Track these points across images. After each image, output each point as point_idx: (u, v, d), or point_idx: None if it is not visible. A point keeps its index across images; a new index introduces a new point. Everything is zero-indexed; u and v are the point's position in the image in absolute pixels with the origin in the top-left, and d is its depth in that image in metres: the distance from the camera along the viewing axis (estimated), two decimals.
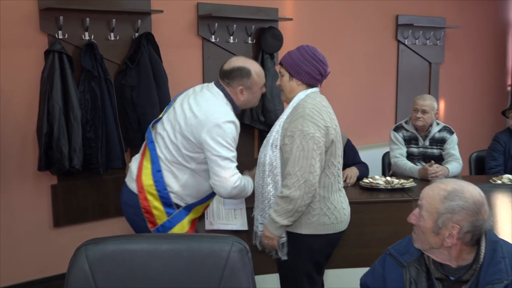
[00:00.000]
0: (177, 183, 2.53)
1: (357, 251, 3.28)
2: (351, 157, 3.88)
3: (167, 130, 2.56)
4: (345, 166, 3.85)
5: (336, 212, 2.49)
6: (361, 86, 5.50)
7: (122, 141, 3.81)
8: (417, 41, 5.73)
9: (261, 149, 2.54)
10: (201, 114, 2.48)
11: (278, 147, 2.43)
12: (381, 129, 5.52)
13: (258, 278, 2.76)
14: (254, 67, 2.61)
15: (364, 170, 3.78)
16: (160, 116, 2.68)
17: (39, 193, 3.76)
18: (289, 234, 2.49)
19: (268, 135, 2.53)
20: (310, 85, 2.52)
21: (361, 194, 3.47)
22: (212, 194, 2.68)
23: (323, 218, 2.45)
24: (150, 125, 2.69)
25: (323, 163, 2.40)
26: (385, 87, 5.69)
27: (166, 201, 2.55)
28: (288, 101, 2.55)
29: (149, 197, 2.54)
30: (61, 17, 3.57)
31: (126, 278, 1.71)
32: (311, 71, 2.49)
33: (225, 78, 2.60)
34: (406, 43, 5.67)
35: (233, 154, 2.48)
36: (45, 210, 3.79)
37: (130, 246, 1.75)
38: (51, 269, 3.83)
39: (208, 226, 2.86)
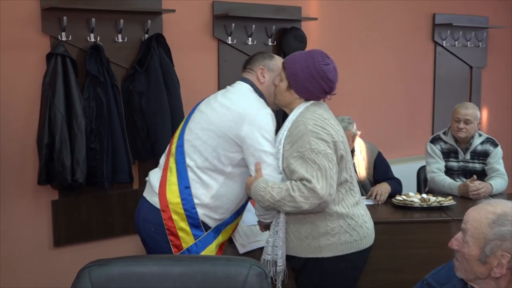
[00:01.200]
0: (208, 194, 2.54)
1: (388, 277, 3.25)
2: (382, 171, 3.86)
3: (197, 133, 2.58)
4: (376, 181, 3.83)
5: (357, 227, 2.47)
6: (393, 93, 5.48)
7: (130, 153, 3.84)
8: (456, 42, 5.70)
9: None
10: (237, 108, 2.52)
11: (283, 170, 2.43)
12: (416, 140, 5.47)
13: None
14: (278, 57, 2.73)
15: (396, 186, 3.75)
16: (182, 125, 2.71)
17: (38, 209, 3.79)
18: (309, 261, 2.47)
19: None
20: (308, 99, 2.51)
21: (394, 213, 3.45)
22: (242, 209, 2.70)
23: (344, 236, 2.43)
24: (175, 137, 2.70)
25: (336, 181, 2.39)
26: (420, 94, 5.66)
27: (194, 222, 2.55)
28: (275, 107, 2.59)
29: (175, 217, 2.53)
30: (65, 18, 3.62)
31: None
32: (314, 89, 2.46)
33: (247, 65, 2.72)
34: (444, 45, 5.64)
35: (274, 150, 2.49)
36: (44, 227, 3.83)
37: (138, 269, 1.76)
38: None
39: (241, 250, 2.88)
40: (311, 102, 2.49)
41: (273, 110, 2.59)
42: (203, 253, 2.56)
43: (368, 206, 3.23)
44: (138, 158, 4.00)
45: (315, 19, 4.74)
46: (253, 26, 4.42)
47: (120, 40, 3.91)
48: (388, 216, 3.40)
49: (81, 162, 3.58)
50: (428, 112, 5.74)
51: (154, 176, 2.67)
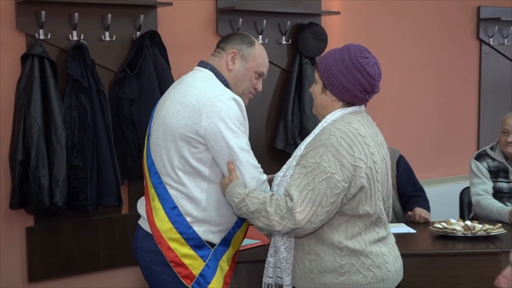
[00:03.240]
0: (198, 207, 2.53)
1: None
2: (404, 175, 3.92)
3: (159, 143, 2.58)
4: (399, 187, 3.90)
5: (374, 268, 2.42)
6: (430, 101, 5.48)
7: (118, 171, 3.86)
8: (505, 40, 5.69)
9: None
10: (190, 100, 2.50)
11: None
12: (459, 157, 5.46)
13: None
14: (260, 45, 2.72)
15: (426, 207, 3.91)
16: (146, 139, 2.72)
17: (10, 237, 3.80)
18: None
19: (290, 159, 2.50)
20: (348, 102, 2.48)
21: (432, 243, 3.43)
22: None
23: (356, 277, 2.40)
24: (144, 156, 2.72)
25: (332, 214, 2.37)
26: (463, 102, 5.65)
27: (196, 243, 2.55)
28: (320, 116, 2.54)
29: (173, 245, 2.53)
30: (43, 12, 3.66)
31: None
32: (351, 86, 2.42)
33: (221, 43, 2.70)
34: (490, 43, 5.65)
35: (246, 140, 2.48)
36: (17, 259, 3.84)
37: None
38: None
39: None
40: (351, 109, 2.47)
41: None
42: (217, 273, 2.57)
43: (405, 236, 3.23)
44: (128, 177, 4.01)
45: (337, 13, 4.76)
46: (264, 21, 4.44)
47: (107, 38, 3.94)
48: (425, 247, 3.38)
49: (61, 182, 3.59)
50: (472, 123, 5.73)
51: (141, 206, 2.70)
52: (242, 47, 2.65)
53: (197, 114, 2.46)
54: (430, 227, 3.55)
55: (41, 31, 3.70)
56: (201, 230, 2.55)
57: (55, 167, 3.58)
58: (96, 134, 3.77)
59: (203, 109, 2.45)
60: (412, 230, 3.61)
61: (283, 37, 4.58)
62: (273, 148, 4.59)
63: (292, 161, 2.46)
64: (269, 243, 2.60)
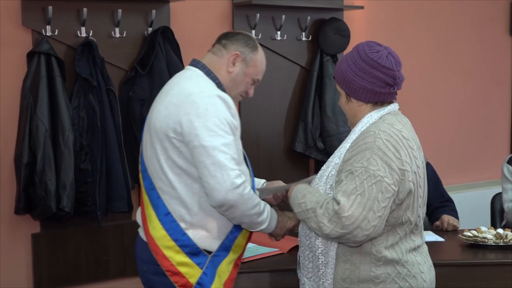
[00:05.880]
0: (190, 211, 2.54)
1: None
2: (430, 189, 3.93)
3: (147, 146, 2.60)
4: (427, 202, 3.92)
5: (410, 278, 2.43)
6: (460, 101, 5.45)
7: (128, 174, 3.86)
8: None
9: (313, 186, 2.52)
10: (171, 98, 2.51)
11: (334, 187, 2.40)
12: (490, 161, 5.42)
13: None
14: (262, 51, 2.73)
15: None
16: (141, 143, 2.73)
17: (15, 244, 3.82)
18: None
19: (324, 167, 2.51)
20: (376, 102, 2.48)
21: (461, 253, 3.41)
22: None
23: (392, 286, 2.41)
24: (139, 162, 2.73)
25: (384, 221, 2.36)
26: (495, 102, 5.61)
27: (192, 250, 2.55)
28: (352, 125, 2.53)
29: (168, 253, 2.54)
30: (50, 8, 3.67)
31: None
32: (371, 85, 2.42)
33: (223, 39, 2.69)
34: None
35: (224, 141, 2.43)
36: (23, 267, 3.85)
37: None
38: None
39: None
40: (387, 110, 2.46)
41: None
42: (215, 280, 2.56)
43: (433, 245, 3.20)
44: (138, 181, 4.00)
45: (361, 7, 4.74)
46: (283, 17, 4.43)
47: (117, 35, 3.95)
48: (454, 257, 3.35)
49: (69, 186, 3.60)
50: (504, 124, 5.70)
51: (138, 214, 2.72)
52: (246, 51, 2.65)
53: (176, 112, 2.47)
54: (460, 235, 3.52)
55: (48, 27, 3.72)
56: (196, 237, 2.55)
57: (63, 171, 3.59)
58: (105, 136, 3.78)
59: (182, 106, 2.46)
60: (440, 239, 3.58)
61: (303, 33, 4.57)
62: (292, 151, 4.58)
63: (326, 171, 2.46)
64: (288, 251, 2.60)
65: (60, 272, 3.91)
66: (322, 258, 2.46)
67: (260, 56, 2.69)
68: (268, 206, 2.63)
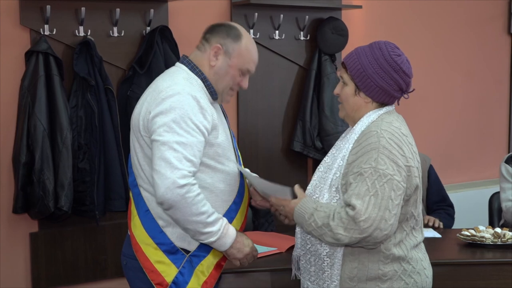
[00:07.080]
0: None
1: None
2: (435, 188, 3.91)
3: (131, 144, 2.61)
4: (428, 208, 3.89)
5: (414, 274, 2.46)
6: (458, 100, 5.46)
7: (127, 174, 3.88)
8: None
9: (313, 189, 2.52)
10: (146, 97, 2.51)
11: (340, 190, 2.42)
12: (488, 160, 5.44)
13: None
14: (249, 39, 2.64)
15: (447, 222, 3.90)
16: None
17: (13, 243, 3.83)
18: None
19: (322, 169, 2.51)
20: (382, 103, 2.50)
21: (459, 252, 3.42)
22: (233, 213, 2.64)
23: (398, 284, 2.42)
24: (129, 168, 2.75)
25: (398, 217, 2.38)
26: (493, 101, 5.63)
27: (168, 248, 2.55)
28: (349, 119, 2.54)
29: (146, 251, 2.55)
30: (48, 7, 3.68)
31: None
32: (389, 87, 2.44)
33: (207, 33, 2.64)
34: None
35: (179, 139, 2.39)
36: (21, 266, 3.87)
37: None
38: None
39: None
40: (384, 110, 2.49)
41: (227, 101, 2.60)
42: (192, 280, 2.54)
43: (430, 244, 3.22)
44: None
45: (359, 7, 4.75)
46: (281, 16, 4.45)
47: (115, 34, 3.97)
48: (452, 256, 3.37)
49: (67, 185, 3.62)
50: (503, 124, 5.71)
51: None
52: (227, 42, 2.57)
53: (146, 109, 2.47)
54: (458, 234, 3.53)
55: (46, 26, 3.73)
56: (174, 236, 2.54)
57: (61, 170, 3.61)
58: (103, 135, 3.79)
59: (151, 103, 2.46)
60: (437, 235, 3.60)
61: (301, 33, 4.58)
62: (290, 150, 4.60)
63: (330, 173, 2.45)
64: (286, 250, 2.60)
65: (58, 271, 3.92)
66: (327, 260, 2.46)
67: (245, 45, 2.59)
68: (225, 221, 2.51)
